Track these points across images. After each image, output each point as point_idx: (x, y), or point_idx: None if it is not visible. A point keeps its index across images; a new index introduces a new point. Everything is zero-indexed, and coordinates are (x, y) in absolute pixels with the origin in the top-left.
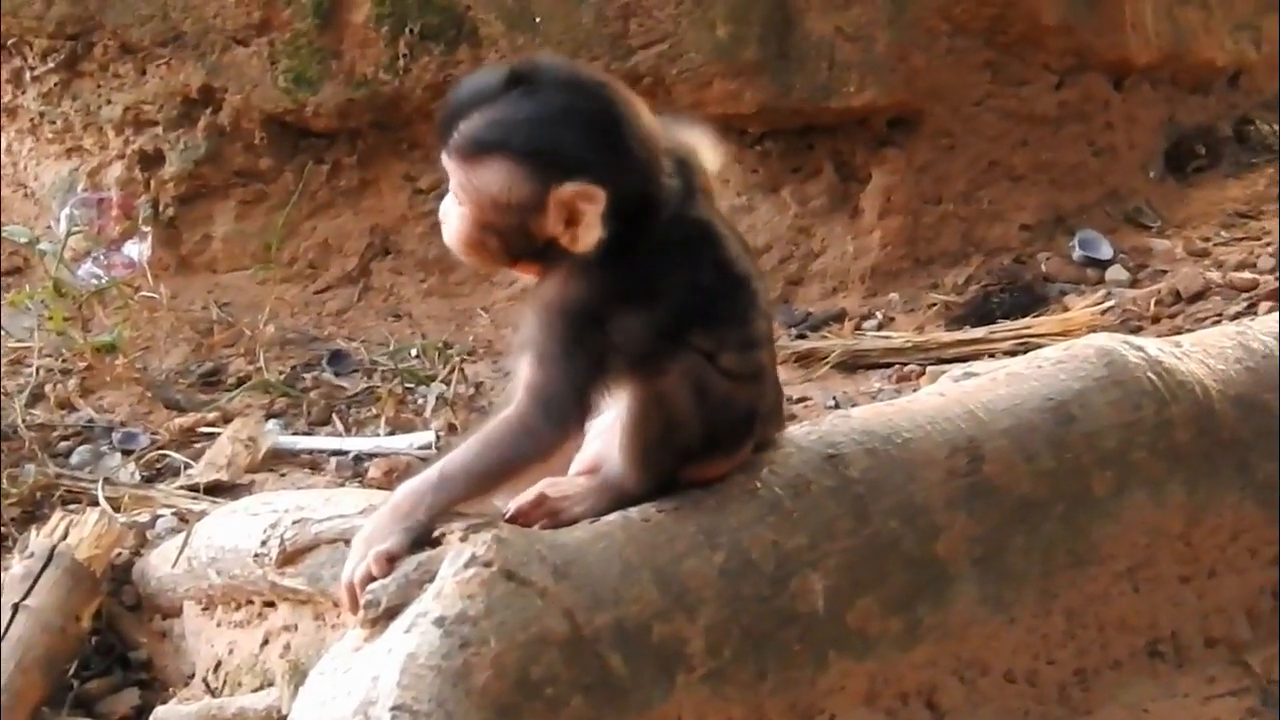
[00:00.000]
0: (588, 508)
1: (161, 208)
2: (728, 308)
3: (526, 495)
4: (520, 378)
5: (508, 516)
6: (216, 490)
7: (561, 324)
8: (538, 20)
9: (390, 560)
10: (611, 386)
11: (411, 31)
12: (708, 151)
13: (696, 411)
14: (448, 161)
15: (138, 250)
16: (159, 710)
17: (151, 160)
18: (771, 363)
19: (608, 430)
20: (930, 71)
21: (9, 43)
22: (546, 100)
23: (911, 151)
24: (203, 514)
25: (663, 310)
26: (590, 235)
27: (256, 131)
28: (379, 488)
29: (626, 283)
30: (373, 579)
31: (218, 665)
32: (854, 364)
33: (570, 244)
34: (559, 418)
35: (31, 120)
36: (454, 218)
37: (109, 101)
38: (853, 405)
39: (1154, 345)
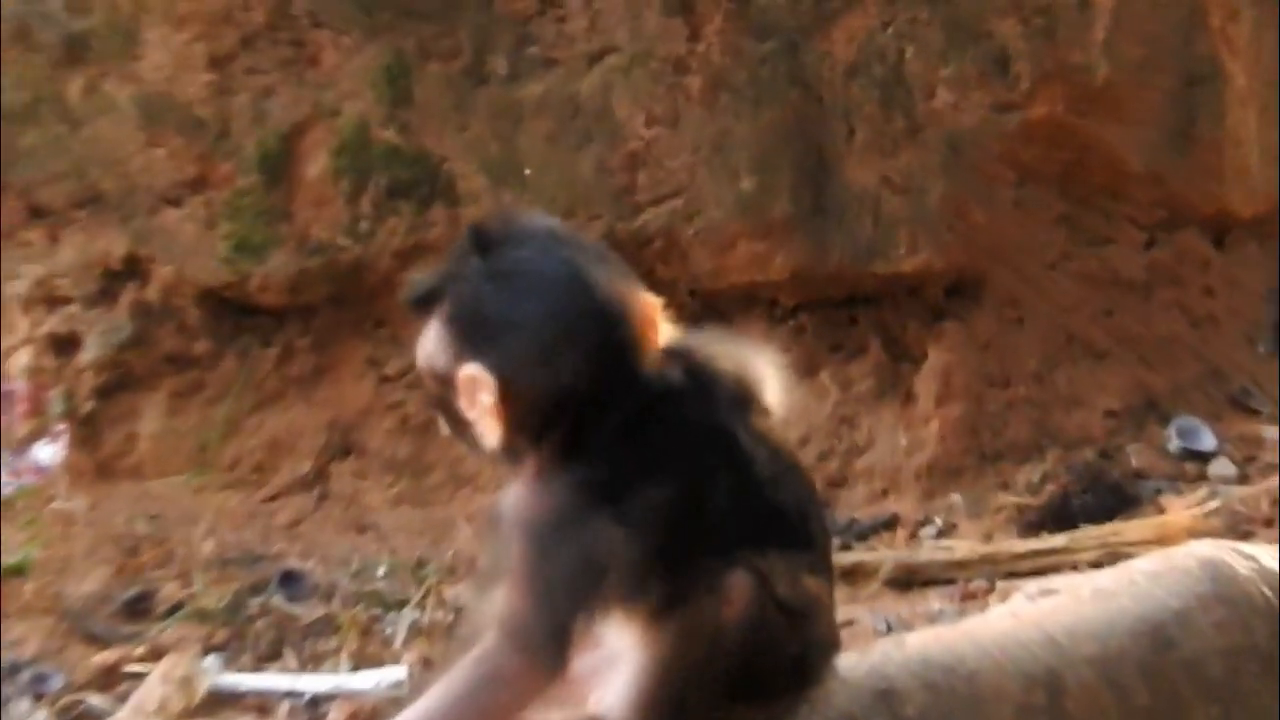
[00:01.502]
0: None
1: (78, 401)
2: (747, 531)
3: None
4: (491, 608)
5: None
6: None
7: (528, 541)
8: (527, 172)
9: None
10: (606, 616)
11: (376, 187)
12: (769, 379)
13: (730, 654)
14: None
15: (49, 453)
16: None
17: (65, 344)
18: (827, 593)
19: (604, 671)
20: (994, 229)
21: None
22: (493, 264)
23: (973, 324)
24: None
25: (651, 526)
26: (489, 430)
27: (191, 309)
28: None
29: (601, 492)
30: None
31: None
32: (909, 580)
33: (482, 438)
34: (534, 655)
35: None
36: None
37: (15, 275)
38: (908, 630)
39: (1268, 554)
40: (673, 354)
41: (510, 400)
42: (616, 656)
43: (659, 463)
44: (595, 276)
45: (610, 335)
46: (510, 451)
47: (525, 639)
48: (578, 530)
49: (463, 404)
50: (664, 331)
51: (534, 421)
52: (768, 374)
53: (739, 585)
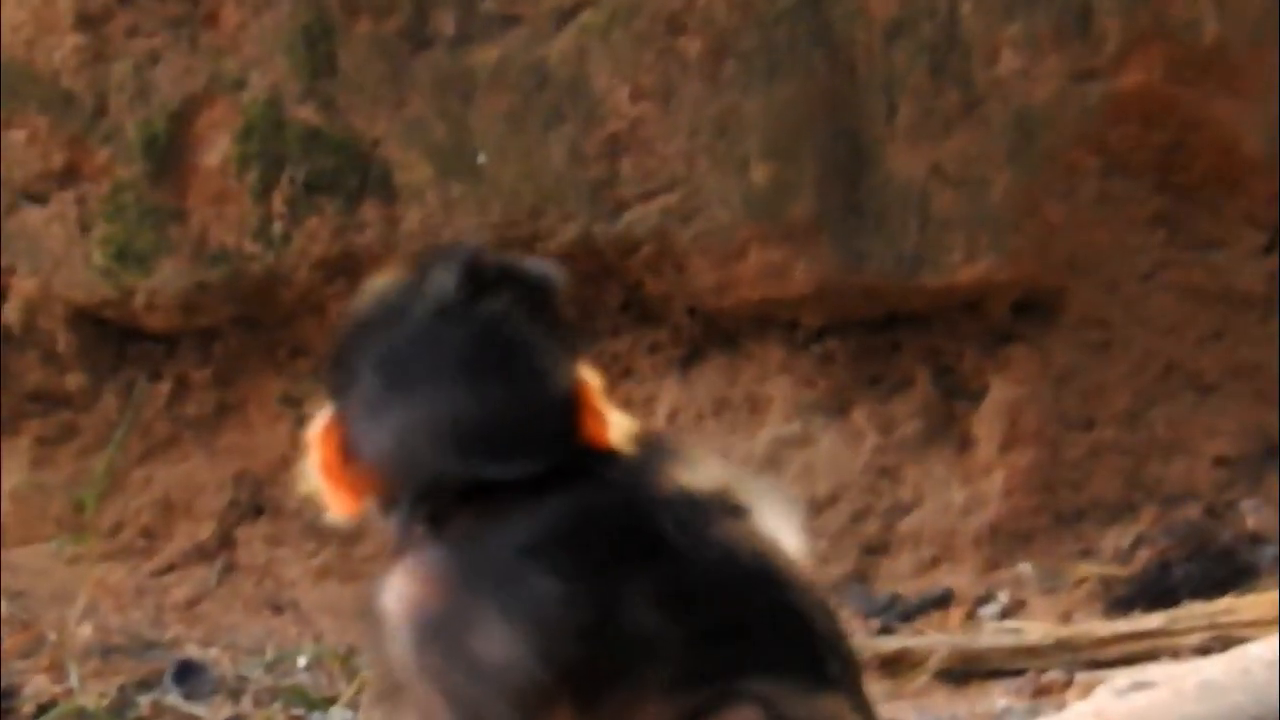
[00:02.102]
0: None
1: None
2: (721, 652)
3: None
4: None
5: None
6: None
7: (414, 642)
8: (481, 160)
9: None
10: None
11: (292, 181)
12: (785, 529)
13: None
14: None
15: None
16: None
17: None
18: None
19: None
20: (1073, 230)
21: None
22: (399, 289)
23: (1048, 351)
24: None
25: (546, 630)
26: (328, 493)
27: (60, 333)
28: None
29: (476, 580)
30: None
31: None
32: (967, 672)
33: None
34: None
35: None
36: None
37: None
38: None
39: None
40: (614, 451)
41: (351, 456)
42: None
43: (554, 550)
44: (514, 332)
45: (499, 398)
46: (378, 525)
47: None
48: (462, 624)
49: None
50: (611, 423)
51: (385, 487)
52: (773, 503)
53: (750, 718)
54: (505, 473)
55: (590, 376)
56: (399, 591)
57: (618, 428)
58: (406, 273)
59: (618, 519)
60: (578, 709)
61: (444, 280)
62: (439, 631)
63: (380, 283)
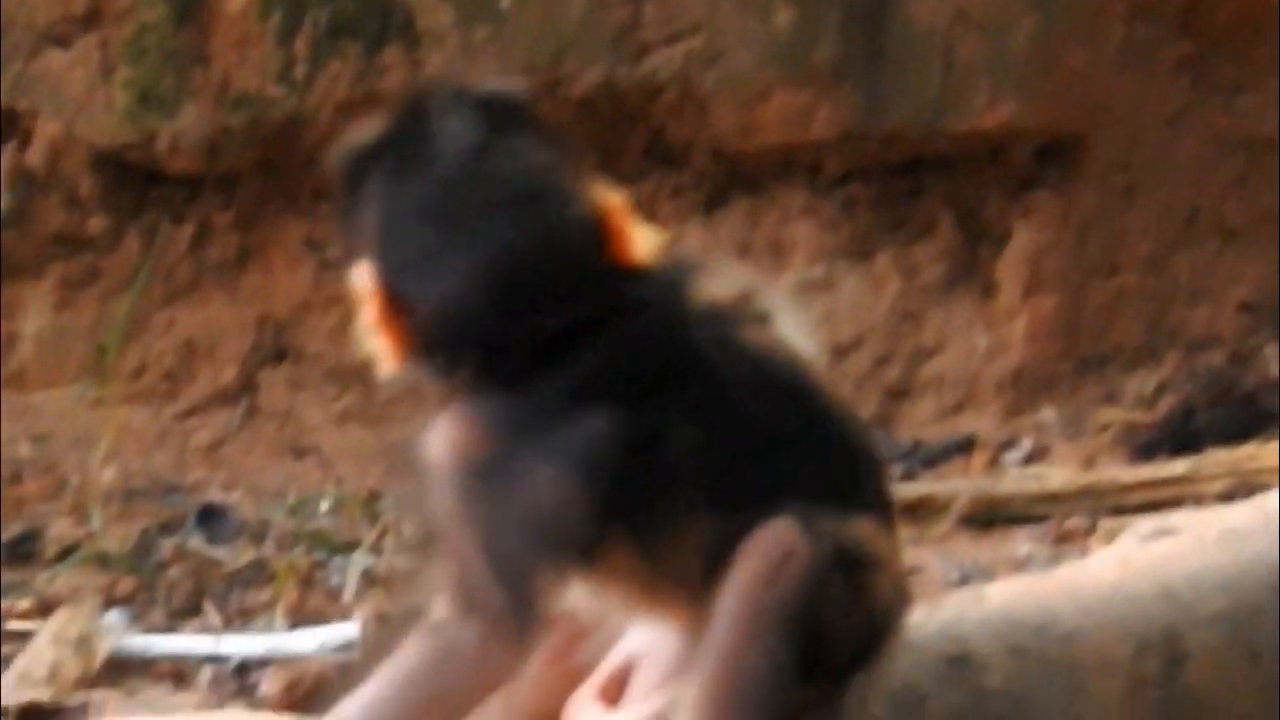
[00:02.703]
0: None
1: None
2: (762, 472)
3: None
4: (437, 570)
5: None
6: (34, 716)
7: (455, 489)
8: (504, 3)
9: None
10: (574, 573)
11: (315, 23)
12: (803, 336)
13: (800, 626)
14: None
15: None
16: None
17: None
18: (889, 539)
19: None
20: (1098, 75)
21: None
22: (420, 145)
23: (1071, 196)
24: None
25: (596, 463)
26: (381, 349)
27: (83, 177)
28: (278, 709)
29: (527, 424)
30: None
31: None
32: (989, 517)
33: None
34: (492, 624)
35: None
36: None
37: None
38: (988, 580)
39: None
40: (645, 269)
41: (402, 310)
42: (644, 645)
43: (598, 388)
44: (536, 166)
45: (543, 239)
46: (420, 378)
47: (478, 605)
48: (509, 471)
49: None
50: (638, 240)
51: (439, 339)
52: (784, 306)
53: (787, 536)
54: (554, 320)
55: (611, 196)
56: (446, 440)
57: (644, 243)
58: (398, 118)
59: (655, 345)
60: (629, 540)
61: (460, 121)
62: (485, 478)
63: (370, 131)
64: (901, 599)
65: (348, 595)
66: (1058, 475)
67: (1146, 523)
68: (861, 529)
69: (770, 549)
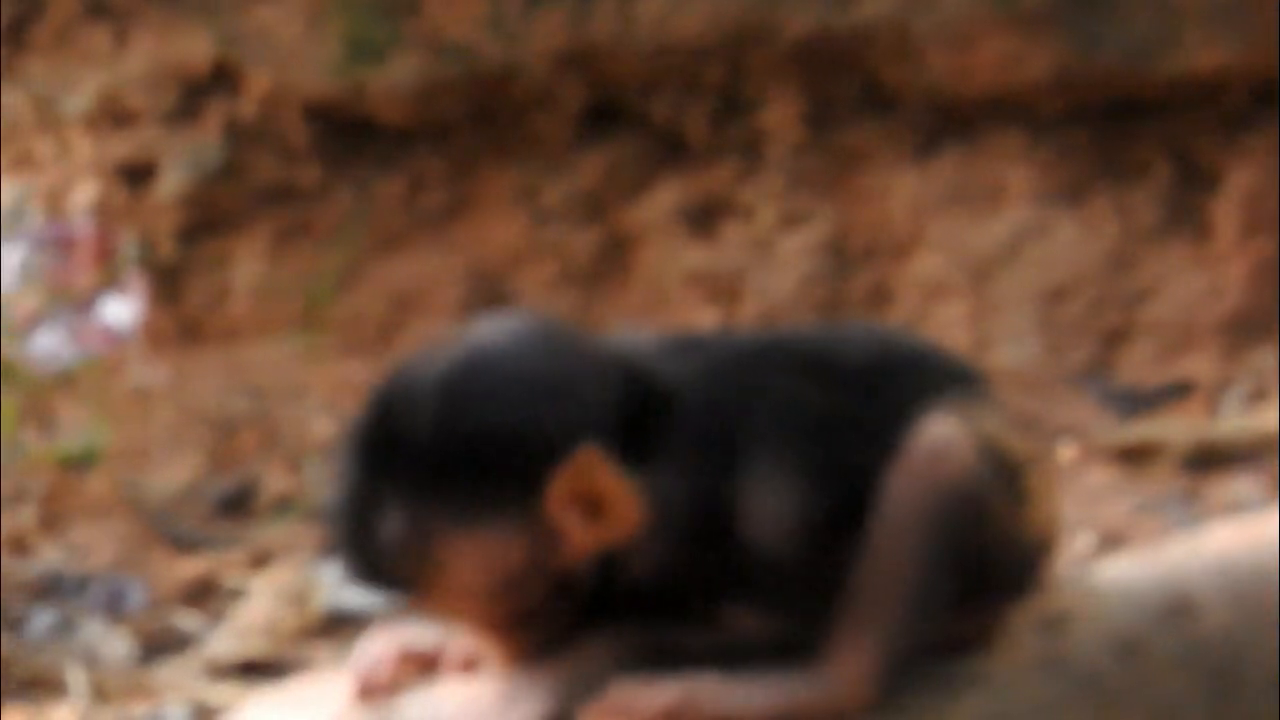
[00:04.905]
0: (758, 712)
1: (156, 246)
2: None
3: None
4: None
5: None
6: (250, 670)
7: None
8: None
9: None
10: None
11: None
12: None
13: (962, 528)
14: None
15: (121, 312)
16: None
17: (139, 174)
18: (1045, 456)
19: None
20: None
21: None
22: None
23: None
24: (230, 708)
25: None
26: (627, 505)
27: (295, 128)
28: None
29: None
30: None
31: None
32: (1207, 461)
33: (616, 534)
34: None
35: None
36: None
37: (73, 87)
38: (1207, 526)
39: None
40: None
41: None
42: None
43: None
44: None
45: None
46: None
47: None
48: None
49: (573, 539)
50: None
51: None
52: None
53: (944, 431)
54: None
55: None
56: (647, 549)
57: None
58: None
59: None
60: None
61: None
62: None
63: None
64: (1057, 525)
65: None
66: (1276, 418)
67: None
68: (1015, 437)
69: (926, 444)
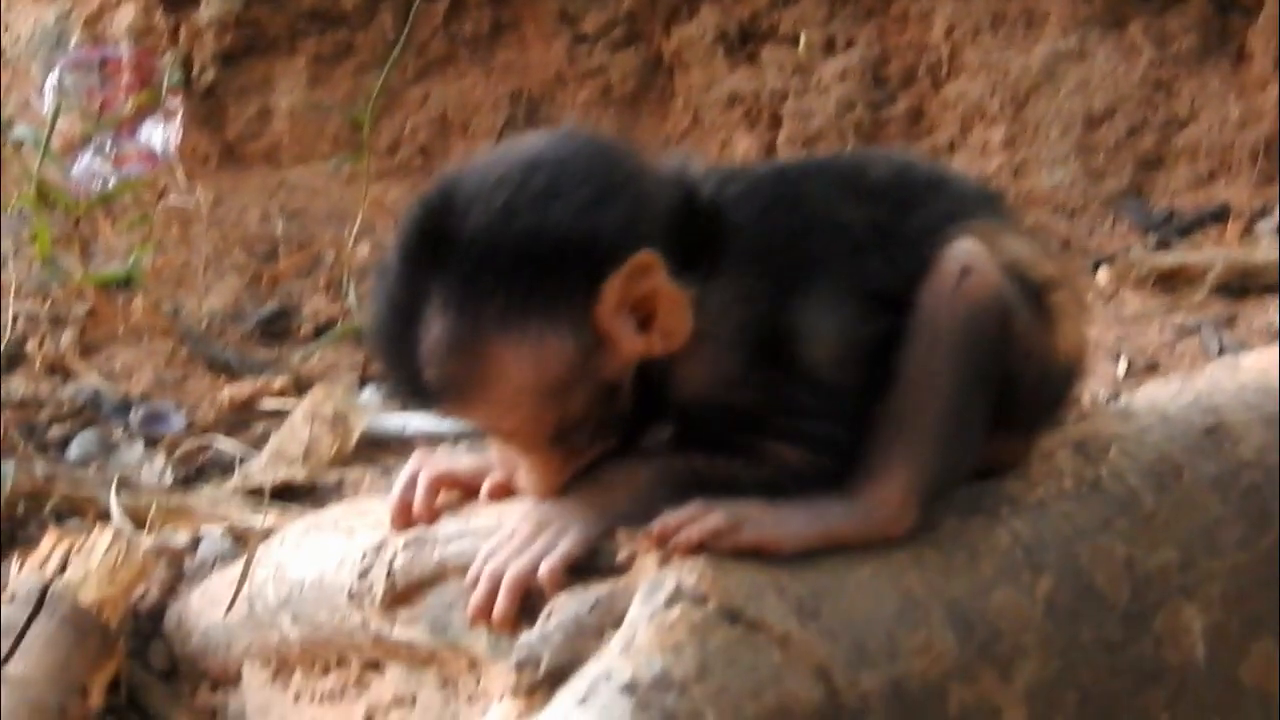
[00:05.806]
0: (798, 539)
1: (196, 70)
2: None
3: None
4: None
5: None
6: (288, 495)
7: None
8: None
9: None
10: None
11: None
12: None
13: (993, 348)
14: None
15: (162, 134)
16: None
17: None
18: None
19: None
20: None
21: None
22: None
23: None
24: (269, 532)
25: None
26: (679, 314)
27: None
28: None
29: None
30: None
31: None
32: (1244, 286)
33: (666, 343)
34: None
35: None
36: (524, 463)
37: None
38: (1243, 350)
39: None
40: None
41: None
42: None
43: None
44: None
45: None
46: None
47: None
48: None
49: (622, 347)
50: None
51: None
52: None
53: (970, 249)
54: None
55: None
56: (711, 352)
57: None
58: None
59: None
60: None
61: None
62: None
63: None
64: (1087, 347)
65: None
66: None
67: None
68: (1044, 257)
69: (953, 263)
